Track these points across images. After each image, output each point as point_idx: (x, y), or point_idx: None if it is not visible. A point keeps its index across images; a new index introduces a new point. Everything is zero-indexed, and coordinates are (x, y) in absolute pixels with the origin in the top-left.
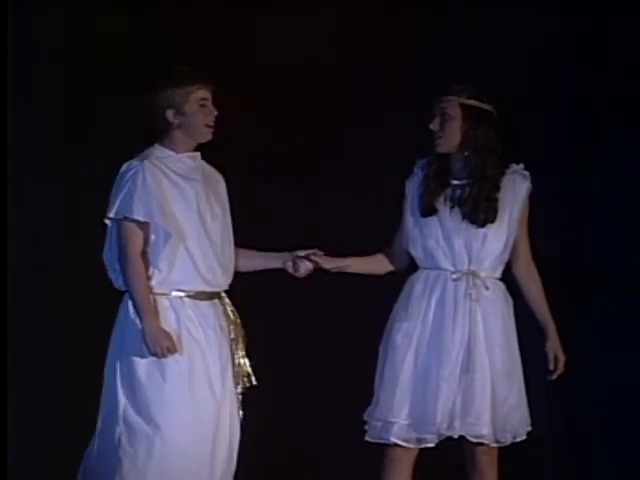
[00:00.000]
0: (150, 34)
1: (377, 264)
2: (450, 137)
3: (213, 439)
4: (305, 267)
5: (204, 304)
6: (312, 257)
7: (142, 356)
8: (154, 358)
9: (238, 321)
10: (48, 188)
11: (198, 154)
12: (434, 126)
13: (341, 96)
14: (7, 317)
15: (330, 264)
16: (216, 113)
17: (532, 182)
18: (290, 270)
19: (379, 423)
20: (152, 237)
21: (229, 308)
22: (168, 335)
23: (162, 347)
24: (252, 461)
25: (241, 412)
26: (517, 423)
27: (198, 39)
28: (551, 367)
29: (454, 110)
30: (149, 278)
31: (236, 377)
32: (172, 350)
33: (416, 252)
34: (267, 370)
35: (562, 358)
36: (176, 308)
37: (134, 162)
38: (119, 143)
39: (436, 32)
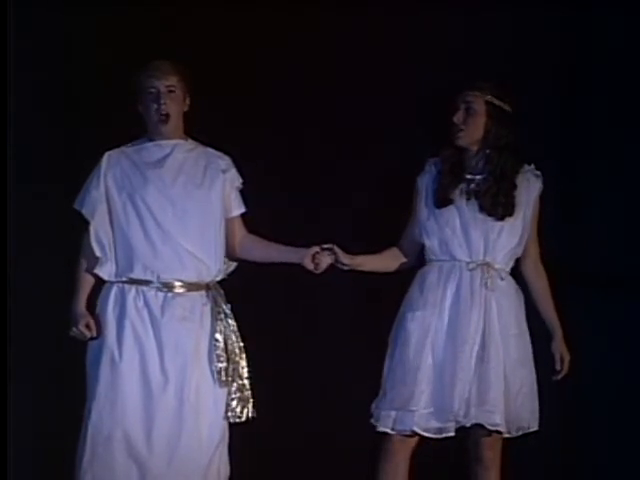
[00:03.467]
0: (150, 33)
1: (388, 261)
2: (473, 131)
3: (146, 426)
4: (326, 261)
5: (165, 295)
6: (333, 249)
7: (90, 346)
8: (95, 348)
9: (224, 315)
10: (48, 187)
11: (170, 142)
12: (458, 119)
13: (341, 98)
14: (7, 316)
15: (347, 259)
16: (163, 102)
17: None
18: (309, 266)
19: (393, 413)
20: (97, 229)
21: (217, 301)
22: (86, 318)
23: (75, 327)
24: (251, 457)
25: (238, 408)
26: (529, 415)
27: (197, 39)
28: (558, 367)
29: (479, 106)
30: (101, 265)
31: (221, 372)
32: (86, 333)
33: (430, 242)
34: (267, 365)
35: (567, 358)
36: (126, 296)
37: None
38: (119, 142)
39: (433, 32)
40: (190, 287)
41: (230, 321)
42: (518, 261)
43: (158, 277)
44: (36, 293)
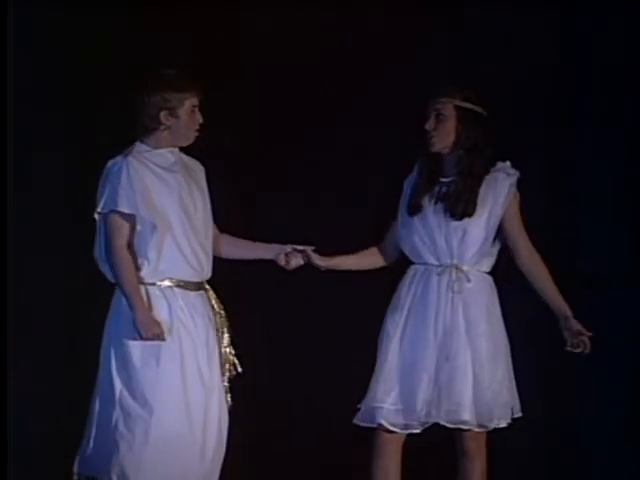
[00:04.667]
0: (150, 33)
1: (366, 260)
2: (444, 136)
3: (203, 423)
4: (296, 261)
5: (193, 294)
6: (305, 252)
7: (137, 344)
8: (148, 345)
9: (222, 312)
10: (48, 186)
11: (176, 149)
12: (429, 126)
13: (340, 95)
14: (7, 314)
15: (320, 262)
16: (201, 121)
17: (529, 181)
18: (281, 262)
19: (363, 408)
20: (139, 229)
21: (213, 299)
22: (158, 323)
23: (153, 334)
24: (246, 451)
25: (229, 399)
26: (502, 409)
27: (197, 39)
28: (579, 348)
29: (449, 111)
30: (138, 269)
31: (222, 366)
32: (162, 337)
33: (405, 249)
34: (261, 363)
35: (587, 334)
36: (168, 298)
37: (118, 158)
38: (119, 143)
39: (433, 32)
40: (201, 286)
41: (224, 318)
42: (513, 261)
43: (195, 275)
44: (36, 293)
